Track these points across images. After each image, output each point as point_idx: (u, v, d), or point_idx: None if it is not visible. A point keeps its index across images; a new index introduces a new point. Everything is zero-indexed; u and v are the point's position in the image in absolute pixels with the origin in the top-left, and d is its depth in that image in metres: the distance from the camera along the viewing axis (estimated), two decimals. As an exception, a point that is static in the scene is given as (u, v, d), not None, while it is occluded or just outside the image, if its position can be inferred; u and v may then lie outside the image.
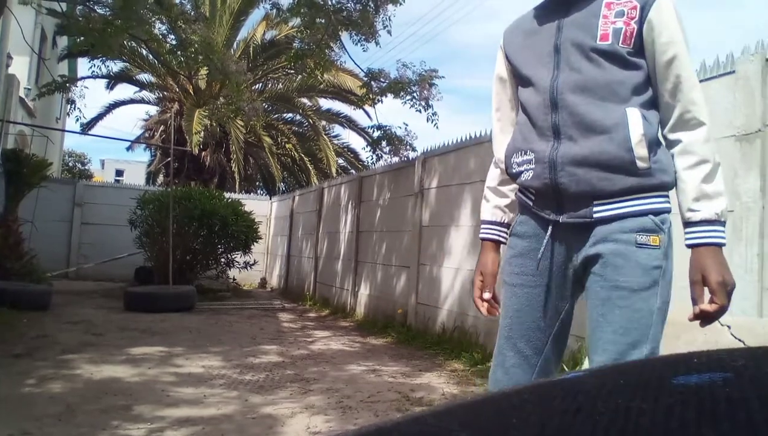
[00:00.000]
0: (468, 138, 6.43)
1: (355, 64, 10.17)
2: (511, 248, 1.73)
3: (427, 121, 8.92)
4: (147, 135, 18.41)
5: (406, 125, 9.56)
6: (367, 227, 8.77)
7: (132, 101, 17.42)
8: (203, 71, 13.22)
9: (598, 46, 1.54)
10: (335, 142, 17.50)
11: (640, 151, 1.47)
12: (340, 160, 17.64)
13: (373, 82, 9.23)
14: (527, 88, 1.67)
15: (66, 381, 4.25)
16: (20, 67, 12.14)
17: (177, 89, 15.50)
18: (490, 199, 1.89)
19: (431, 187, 7.05)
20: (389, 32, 8.66)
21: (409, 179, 7.54)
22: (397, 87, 8.75)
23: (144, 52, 13.76)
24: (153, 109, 18.21)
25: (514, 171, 1.68)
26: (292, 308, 9.89)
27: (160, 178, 18.12)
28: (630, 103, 1.51)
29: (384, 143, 9.65)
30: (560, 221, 1.57)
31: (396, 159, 9.02)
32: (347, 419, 3.64)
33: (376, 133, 9.78)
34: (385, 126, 9.56)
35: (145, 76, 16.09)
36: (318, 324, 8.17)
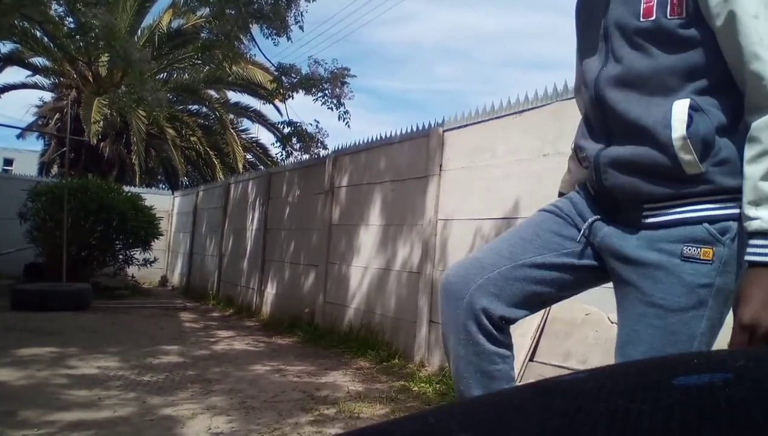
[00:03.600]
0: (379, 138, 6.49)
1: (266, 58, 9.99)
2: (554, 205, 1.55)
3: (339, 119, 8.93)
4: (40, 122, 17.21)
5: (318, 122, 9.56)
6: (275, 225, 8.66)
7: (24, 86, 16.23)
8: (104, 58, 12.60)
9: (641, 25, 1.30)
10: (243, 136, 17.16)
11: (685, 155, 1.25)
12: (249, 156, 17.31)
13: (284, 77, 9.13)
14: (582, 81, 1.49)
15: (-62, 388, 3.93)
16: None
17: (75, 75, 14.63)
18: (572, 171, 1.69)
19: (341, 186, 7.07)
20: (301, 28, 8.60)
21: (319, 177, 7.51)
22: (309, 83, 8.70)
23: (38, 34, 12.89)
24: (48, 96, 17.05)
25: (583, 165, 1.51)
26: (194, 308, 9.59)
27: (55, 169, 16.98)
28: (682, 93, 1.28)
29: (294, 140, 9.57)
30: (607, 223, 1.41)
31: (306, 156, 8.97)
32: (250, 419, 3.58)
33: (287, 130, 9.68)
34: (296, 122, 9.50)
35: (39, 60, 15.04)
36: (222, 324, 7.97)
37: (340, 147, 7.34)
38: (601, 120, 1.40)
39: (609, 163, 1.35)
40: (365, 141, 6.74)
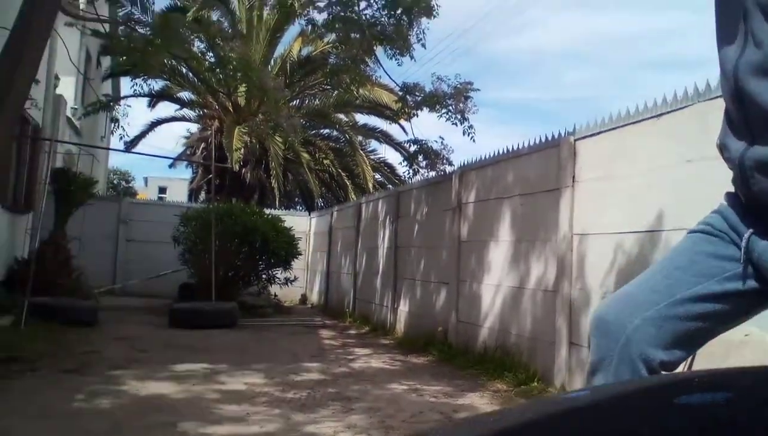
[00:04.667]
0: (505, 151, 6.37)
1: (390, 78, 10.26)
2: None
3: (464, 134, 8.91)
4: (188, 152, 18.84)
5: (442, 139, 9.57)
6: (405, 243, 8.76)
7: (173, 119, 17.88)
8: (242, 88, 13.52)
9: None
10: (372, 157, 17.61)
11: None
12: (377, 175, 17.72)
13: (408, 96, 9.27)
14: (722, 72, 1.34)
15: (113, 397, 4.34)
16: (67, 88, 12.57)
17: (217, 106, 15.83)
18: None
19: (469, 202, 7.01)
20: (423, 45, 8.70)
21: (446, 194, 7.51)
22: (433, 101, 8.77)
23: (184, 70, 14.15)
24: (194, 127, 18.68)
25: (729, 166, 1.36)
26: (332, 325, 9.93)
27: (202, 195, 18.46)
28: None
29: (420, 158, 9.67)
30: (763, 236, 1.26)
31: (433, 173, 9.02)
32: (390, 439, 3.62)
33: (413, 148, 9.82)
34: (421, 140, 9.60)
35: (185, 94, 16.52)
36: (358, 341, 8.17)
37: (465, 162, 7.30)
38: (742, 115, 1.24)
39: (755, 166, 1.20)
40: (491, 155, 6.65)
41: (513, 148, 6.24)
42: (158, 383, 4.85)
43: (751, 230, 1.27)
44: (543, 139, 5.71)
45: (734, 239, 1.31)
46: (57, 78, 11.20)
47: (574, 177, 5.15)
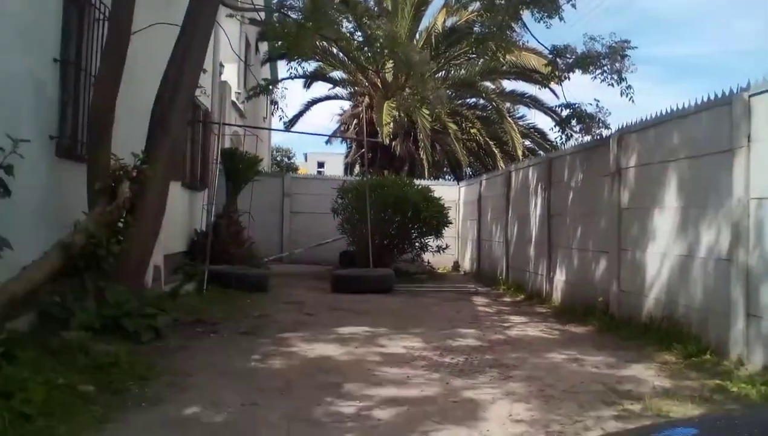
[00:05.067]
0: (669, 111, 5.93)
1: (538, 42, 9.81)
2: None
3: (621, 95, 8.38)
4: (342, 129, 19.68)
5: (597, 102, 9.08)
6: (559, 210, 8.51)
7: (327, 98, 18.78)
8: (389, 64, 13.78)
9: None
10: (520, 123, 17.21)
11: None
12: (527, 142, 17.29)
13: (558, 59, 8.89)
14: None
15: (284, 358, 4.75)
16: (230, 74, 13.65)
17: (366, 84, 16.30)
18: None
19: (629, 167, 6.65)
20: (573, 6, 8.23)
21: (603, 158, 7.16)
22: (585, 62, 8.32)
23: (335, 50, 14.71)
24: (346, 104, 19.49)
25: None
26: (485, 292, 9.98)
27: (357, 168, 19.23)
28: None
29: (574, 122, 9.26)
30: None
31: (588, 138, 8.62)
32: (550, 408, 3.62)
33: (565, 112, 9.43)
34: (574, 104, 9.16)
35: (337, 74, 17.22)
36: (513, 309, 8.16)
37: (624, 125, 6.89)
38: None
39: None
40: (653, 116, 6.22)
41: (678, 107, 5.80)
42: (324, 345, 5.22)
43: None
44: (712, 97, 5.25)
45: None
46: (221, 66, 12.18)
47: (749, 136, 4.70)
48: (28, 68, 4.87)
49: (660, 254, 5.90)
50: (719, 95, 5.15)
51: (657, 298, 5.91)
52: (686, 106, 5.65)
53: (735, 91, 4.92)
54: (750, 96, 4.73)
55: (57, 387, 3.14)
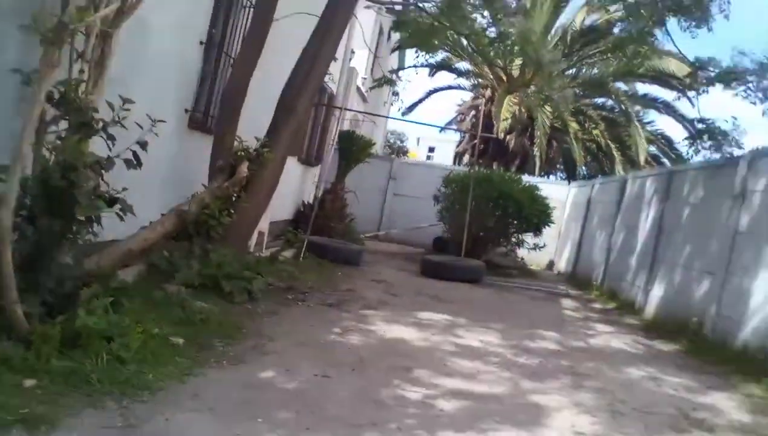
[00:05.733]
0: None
1: (681, 53, 9.18)
2: None
3: (764, 115, 7.80)
4: (459, 118, 19.66)
5: (735, 119, 8.50)
6: (670, 226, 8.10)
7: (449, 87, 18.91)
8: (517, 60, 13.55)
9: None
10: (648, 128, 16.32)
11: None
12: (651, 148, 16.40)
13: (699, 72, 8.34)
14: None
15: (362, 335, 4.91)
16: (359, 59, 14.04)
17: (491, 76, 16.12)
18: None
19: (756, 190, 6.21)
20: (726, 17, 7.60)
21: (728, 179, 6.74)
22: (729, 77, 7.76)
23: (464, 42, 14.63)
24: (467, 95, 19.49)
25: None
26: (576, 296, 9.68)
27: (466, 158, 19.13)
28: None
29: (705, 137, 8.74)
30: None
31: (717, 155, 8.10)
32: (615, 426, 3.52)
33: (699, 126, 8.90)
34: (709, 120, 8.64)
35: (462, 65, 17.21)
36: (602, 317, 7.88)
37: (760, 147, 6.41)
38: None
39: None
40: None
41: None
42: (402, 328, 5.34)
43: None
44: None
45: None
46: (352, 52, 12.54)
47: None
48: (178, 49, 5.43)
49: (769, 283, 5.48)
50: None
51: (757, 327, 5.51)
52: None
53: None
54: None
55: (152, 337, 3.44)
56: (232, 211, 5.57)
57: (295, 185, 10.74)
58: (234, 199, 5.68)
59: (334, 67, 9.38)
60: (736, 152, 7.68)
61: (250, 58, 5.77)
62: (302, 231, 8.96)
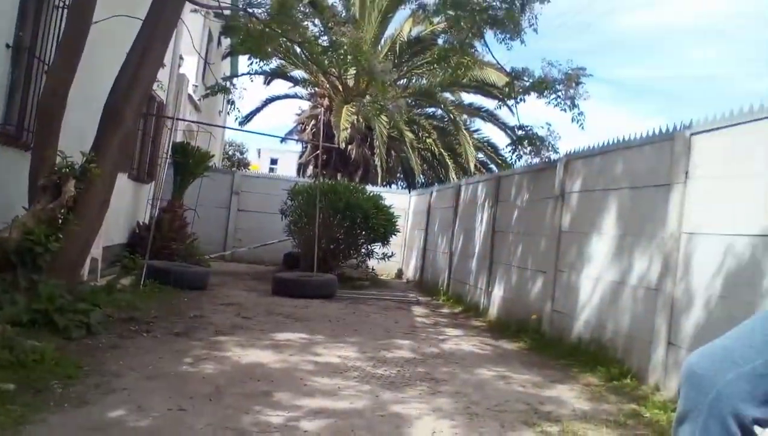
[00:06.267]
0: (615, 141, 6.14)
1: (499, 64, 9.96)
2: None
3: (572, 121, 8.61)
4: (299, 128, 19.58)
5: (549, 125, 9.29)
6: (503, 228, 8.69)
7: (286, 96, 18.70)
8: (351, 70, 13.77)
9: None
10: (475, 136, 17.48)
11: None
12: (480, 155, 17.59)
13: (515, 81, 9.08)
14: None
15: (217, 363, 4.68)
16: (189, 66, 13.42)
17: (327, 85, 16.26)
18: None
19: (573, 191, 6.84)
20: (535, 30, 8.41)
21: (549, 181, 7.35)
22: (541, 86, 8.53)
23: (298, 50, 14.59)
24: (305, 105, 19.43)
25: None
26: (426, 302, 10.07)
27: (310, 169, 19.15)
28: None
29: (525, 143, 9.48)
30: None
31: (537, 159, 8.83)
32: (473, 427, 3.68)
33: (519, 133, 9.63)
34: (527, 126, 9.36)
35: (298, 73, 17.13)
36: (450, 321, 8.26)
37: (572, 151, 7.10)
38: None
39: None
40: (600, 145, 6.42)
41: (623, 139, 6.00)
42: (258, 351, 5.17)
43: None
44: (656, 132, 5.45)
45: None
46: (181, 58, 11.96)
47: (687, 173, 4.90)
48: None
49: (594, 278, 6.09)
50: (662, 131, 5.34)
51: (587, 320, 6.09)
52: (631, 138, 5.84)
53: (678, 128, 5.12)
54: (691, 134, 4.92)
55: (-27, 384, 3.02)
56: (60, 236, 5.00)
57: (129, 205, 10.00)
58: (61, 222, 5.11)
59: (163, 74, 8.90)
60: (553, 156, 8.41)
61: (68, 63, 5.24)
62: (140, 255, 8.36)
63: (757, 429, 1.30)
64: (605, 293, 5.85)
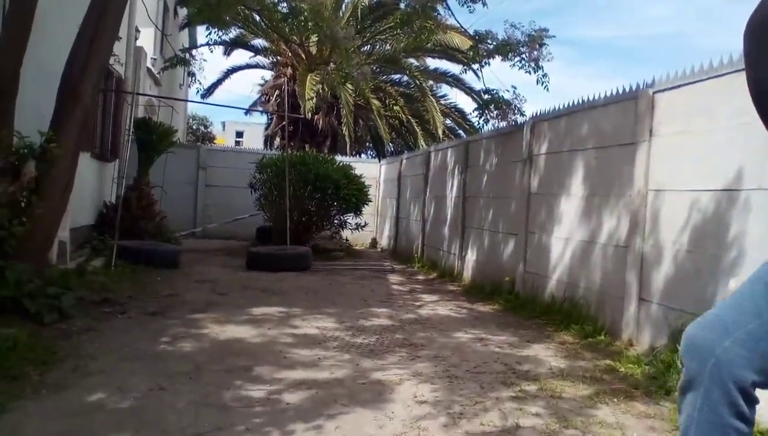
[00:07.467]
0: (580, 102, 6.19)
1: (462, 27, 9.93)
2: None
3: (537, 83, 8.65)
4: (263, 99, 19.21)
5: (515, 88, 9.33)
6: (473, 193, 8.76)
7: (248, 66, 18.28)
8: (314, 38, 13.55)
9: None
10: (442, 102, 17.39)
11: None
12: (448, 121, 17.53)
13: (480, 45, 9.05)
14: None
15: (194, 340, 4.67)
16: (146, 39, 13.01)
17: (290, 54, 15.98)
18: None
19: (540, 154, 6.90)
20: (497, -7, 8.35)
21: (517, 145, 7.41)
22: (505, 49, 8.52)
23: (257, 18, 14.28)
24: (268, 74, 19.03)
25: None
26: (401, 270, 10.15)
27: (277, 141, 18.89)
28: None
29: (492, 107, 9.48)
30: None
31: (504, 123, 8.86)
32: (453, 389, 3.76)
33: (485, 97, 9.63)
34: (493, 90, 9.35)
35: (259, 42, 16.77)
36: (426, 287, 8.35)
37: (538, 113, 7.14)
38: None
39: None
40: (565, 106, 6.47)
41: (588, 99, 6.05)
42: (236, 327, 5.17)
43: None
44: (620, 91, 5.51)
45: None
46: (137, 30, 11.59)
47: (651, 131, 4.98)
48: None
49: (564, 238, 6.20)
50: (626, 90, 5.40)
51: (559, 279, 6.22)
52: (596, 98, 5.91)
53: (641, 87, 5.18)
54: (654, 92, 4.99)
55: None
56: (24, 220, 4.86)
57: (94, 185, 9.75)
58: (24, 205, 4.98)
59: (120, 48, 8.63)
60: (520, 120, 8.44)
61: (17, 37, 5.04)
62: (109, 236, 8.22)
63: (757, 392, 1.36)
64: (576, 252, 5.97)
